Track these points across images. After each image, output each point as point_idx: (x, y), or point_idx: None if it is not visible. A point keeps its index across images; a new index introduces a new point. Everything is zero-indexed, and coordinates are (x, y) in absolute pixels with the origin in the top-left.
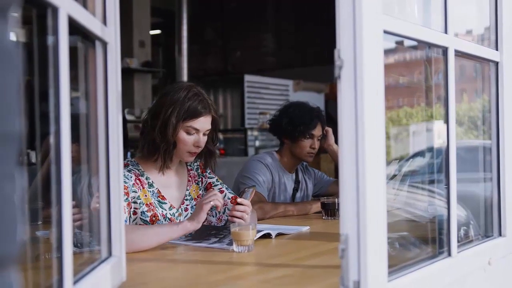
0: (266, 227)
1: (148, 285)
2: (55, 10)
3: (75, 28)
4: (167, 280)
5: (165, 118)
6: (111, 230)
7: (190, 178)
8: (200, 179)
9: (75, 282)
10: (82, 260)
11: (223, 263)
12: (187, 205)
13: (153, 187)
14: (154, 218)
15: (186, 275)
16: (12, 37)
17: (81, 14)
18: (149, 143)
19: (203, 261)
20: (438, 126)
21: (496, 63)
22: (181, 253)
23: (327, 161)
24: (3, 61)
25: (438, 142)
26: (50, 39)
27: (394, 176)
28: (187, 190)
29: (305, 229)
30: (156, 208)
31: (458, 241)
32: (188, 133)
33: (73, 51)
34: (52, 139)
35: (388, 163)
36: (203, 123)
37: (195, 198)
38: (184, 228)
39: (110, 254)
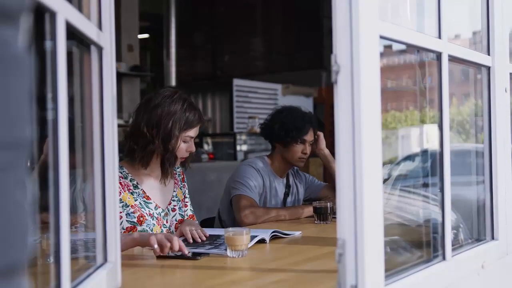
0: (259, 232)
1: None
2: (53, 15)
3: (71, 32)
4: (162, 286)
5: (167, 130)
6: (106, 236)
7: (176, 181)
8: (182, 184)
9: None
10: (77, 266)
11: (218, 268)
12: (174, 205)
13: (138, 188)
14: (141, 218)
15: (181, 281)
16: (23, 43)
17: (78, 19)
18: (149, 154)
19: (198, 266)
20: (427, 130)
21: (488, 68)
22: (176, 258)
23: (315, 165)
24: (15, 67)
25: (428, 146)
26: (47, 44)
27: (385, 180)
28: (174, 191)
29: (298, 233)
30: (142, 209)
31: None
32: (185, 141)
33: (67, 56)
34: (50, 144)
35: None
36: (197, 130)
37: (181, 200)
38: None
39: (105, 260)
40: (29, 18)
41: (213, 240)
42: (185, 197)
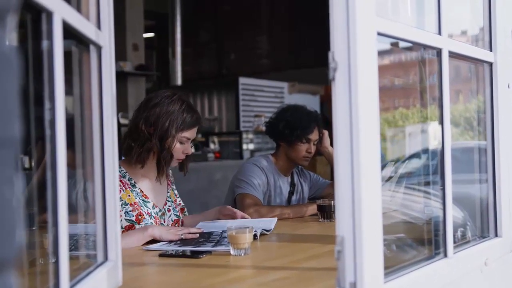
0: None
1: None
2: (49, 14)
3: (69, 32)
4: (163, 284)
5: (163, 129)
6: (107, 235)
7: (169, 183)
8: (173, 187)
9: (72, 287)
10: (77, 264)
11: (220, 267)
12: (169, 206)
13: (136, 187)
14: (140, 217)
15: (183, 279)
16: (10, 41)
17: (75, 19)
18: (146, 151)
19: (200, 264)
20: (434, 127)
21: (490, 64)
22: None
23: (322, 163)
24: (2, 65)
25: (434, 143)
26: (44, 44)
27: (390, 177)
28: (168, 192)
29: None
30: (141, 207)
31: (455, 242)
32: (181, 142)
33: (67, 55)
34: (48, 144)
35: (384, 164)
36: (194, 132)
37: (174, 201)
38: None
39: (106, 258)
40: (16, 17)
41: (208, 238)
42: (177, 197)
